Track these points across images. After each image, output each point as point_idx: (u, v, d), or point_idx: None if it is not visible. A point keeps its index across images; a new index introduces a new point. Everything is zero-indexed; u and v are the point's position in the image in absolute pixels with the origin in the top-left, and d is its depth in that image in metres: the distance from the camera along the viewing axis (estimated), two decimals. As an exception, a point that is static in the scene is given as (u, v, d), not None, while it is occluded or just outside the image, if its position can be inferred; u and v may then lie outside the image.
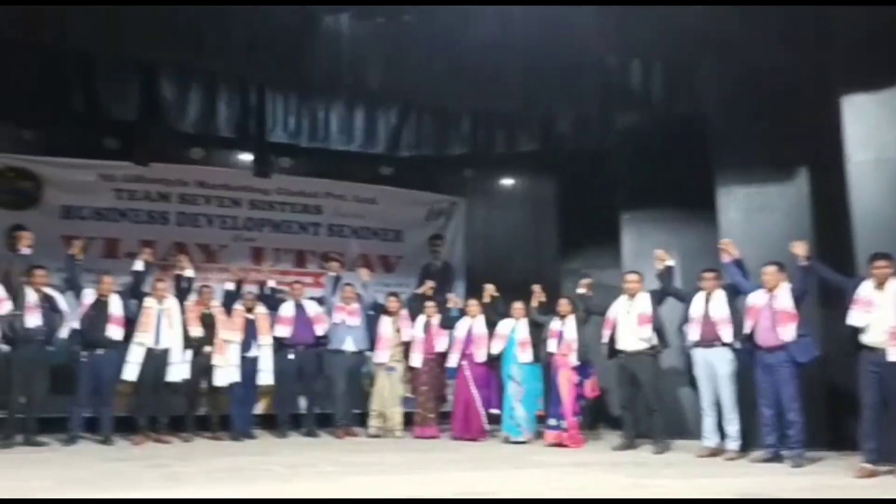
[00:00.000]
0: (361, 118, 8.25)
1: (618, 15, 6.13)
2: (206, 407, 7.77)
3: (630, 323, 6.93)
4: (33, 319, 6.76)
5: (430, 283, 8.77)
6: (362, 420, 8.31)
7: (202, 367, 7.57)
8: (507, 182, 10.98)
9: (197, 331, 7.56)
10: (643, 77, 7.75)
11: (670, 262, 7.04)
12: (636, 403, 7.02)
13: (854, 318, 5.46)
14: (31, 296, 6.81)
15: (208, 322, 7.65)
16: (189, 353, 7.49)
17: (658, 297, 6.99)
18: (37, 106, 7.39)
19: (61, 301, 7.06)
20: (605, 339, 7.09)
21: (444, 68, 7.26)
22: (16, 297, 6.73)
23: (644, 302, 6.93)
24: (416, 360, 8.13)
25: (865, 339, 5.42)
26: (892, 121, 6.18)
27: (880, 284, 5.41)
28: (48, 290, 6.99)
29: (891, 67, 6.20)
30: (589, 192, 9.46)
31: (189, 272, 7.84)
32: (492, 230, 10.70)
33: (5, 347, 6.74)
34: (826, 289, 6.10)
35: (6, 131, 8.31)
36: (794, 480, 5.21)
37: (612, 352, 7.08)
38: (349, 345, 8.11)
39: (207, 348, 7.57)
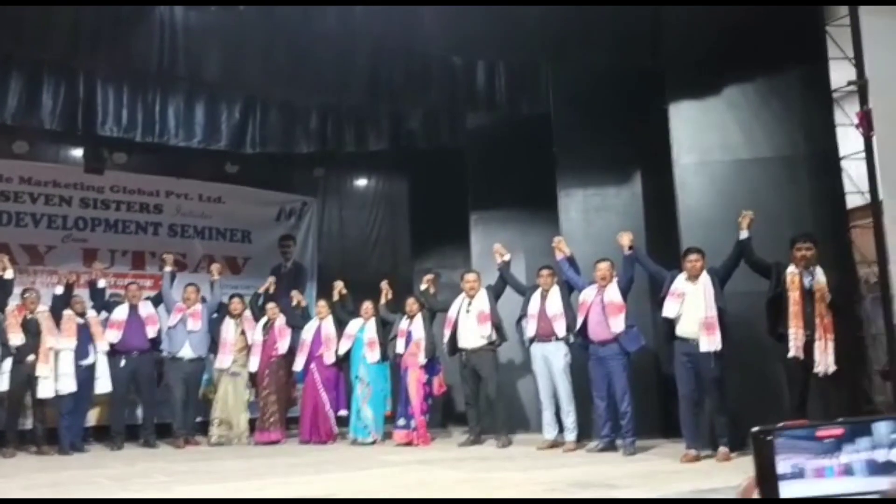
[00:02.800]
0: (202, 112, 7.91)
1: (457, 13, 6.12)
2: (31, 420, 7.17)
3: (470, 321, 7.03)
4: None
5: (271, 279, 8.50)
6: (206, 429, 7.95)
7: (24, 378, 6.98)
8: (360, 181, 10.88)
9: (18, 339, 6.96)
10: (487, 77, 7.85)
11: (507, 257, 7.19)
12: (479, 399, 7.12)
13: (667, 309, 5.75)
14: None
15: (32, 329, 7.07)
16: (8, 363, 6.89)
17: (496, 291, 7.13)
18: None
19: None
20: (446, 339, 7.17)
21: (288, 62, 7.04)
22: None
23: (483, 300, 7.05)
24: (254, 363, 7.85)
25: (678, 330, 5.72)
26: (713, 126, 6.59)
27: (692, 277, 5.73)
28: None
29: (712, 75, 6.60)
30: (441, 191, 9.51)
31: (7, 273, 7.21)
32: (345, 231, 10.57)
33: None
34: (655, 281, 6.39)
35: None
36: (625, 467, 5.45)
37: (454, 349, 7.17)
38: (187, 351, 7.70)
39: (31, 357, 7.00)
